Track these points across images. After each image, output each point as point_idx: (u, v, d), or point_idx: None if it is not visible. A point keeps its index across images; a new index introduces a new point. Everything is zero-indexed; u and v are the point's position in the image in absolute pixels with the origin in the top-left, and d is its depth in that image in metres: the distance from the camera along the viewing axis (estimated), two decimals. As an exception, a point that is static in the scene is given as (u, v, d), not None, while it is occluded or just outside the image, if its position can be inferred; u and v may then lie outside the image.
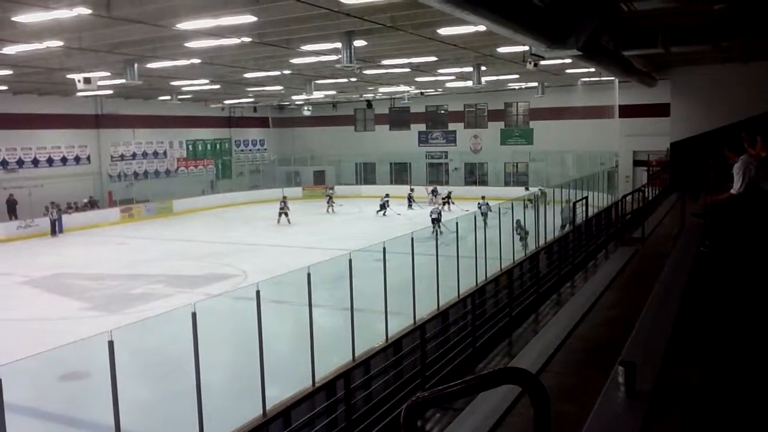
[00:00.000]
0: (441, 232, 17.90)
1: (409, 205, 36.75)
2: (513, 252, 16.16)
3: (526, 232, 18.76)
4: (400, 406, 9.90)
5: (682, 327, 4.86)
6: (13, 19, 13.41)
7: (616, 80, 29.75)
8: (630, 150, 35.23)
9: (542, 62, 19.66)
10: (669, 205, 19.68)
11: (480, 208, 31.12)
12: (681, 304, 5.29)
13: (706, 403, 4.04)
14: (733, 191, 7.31)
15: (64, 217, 31.68)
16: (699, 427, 3.85)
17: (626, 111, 33.44)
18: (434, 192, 37.56)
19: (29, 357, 6.73)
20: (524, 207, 18.51)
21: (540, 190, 20.27)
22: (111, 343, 6.38)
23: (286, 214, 32.32)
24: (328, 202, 35.79)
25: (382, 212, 34.42)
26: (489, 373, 1.95)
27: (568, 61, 20.34)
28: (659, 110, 31.08)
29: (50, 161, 34.14)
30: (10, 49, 17.24)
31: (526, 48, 16.60)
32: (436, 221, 25.42)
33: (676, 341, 4.49)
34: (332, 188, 35.09)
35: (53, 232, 30.43)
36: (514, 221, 18.45)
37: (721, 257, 7.61)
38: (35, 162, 33.42)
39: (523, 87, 36.82)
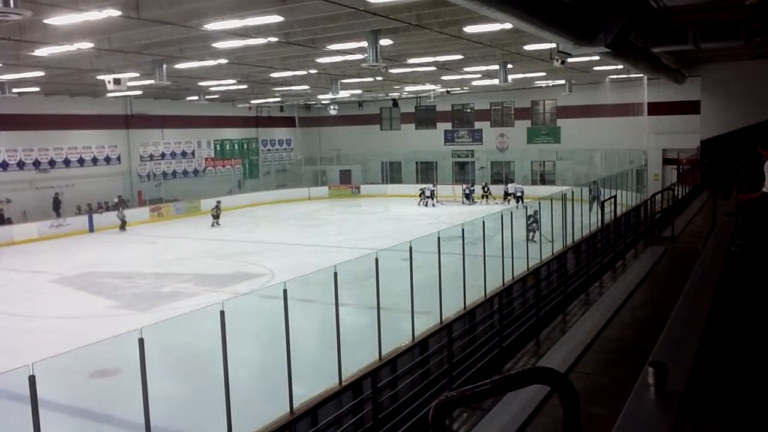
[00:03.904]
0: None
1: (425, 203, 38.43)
2: (540, 251, 16.06)
3: (537, 223, 18.97)
4: (427, 405, 9.92)
5: (714, 327, 4.78)
6: (45, 21, 13.64)
7: (645, 77, 29.41)
8: (659, 148, 34.77)
9: (569, 60, 19.52)
10: (699, 203, 19.40)
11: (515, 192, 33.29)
12: (712, 304, 5.21)
13: (738, 405, 3.98)
14: (765, 189, 7.19)
15: (95, 217, 32.26)
16: (731, 429, 3.79)
17: (655, 108, 33.01)
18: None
19: (61, 354, 6.84)
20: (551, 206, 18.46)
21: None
22: (141, 341, 6.45)
23: (216, 216, 32.90)
24: (214, 216, 33.29)
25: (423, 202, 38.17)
26: (518, 372, 1.93)
27: (596, 58, 20.13)
28: (689, 107, 30.65)
29: (81, 161, 34.69)
30: (42, 51, 17.53)
31: (553, 45, 16.48)
32: (520, 198, 33.29)
33: (708, 342, 4.43)
34: (219, 201, 34.17)
35: (122, 227, 32.08)
36: (531, 212, 18.64)
37: (753, 257, 7.48)
38: (66, 162, 33.97)
39: (550, 85, 36.57)
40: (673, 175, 29.31)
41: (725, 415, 3.86)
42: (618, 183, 23.33)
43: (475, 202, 38.24)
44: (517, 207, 29.76)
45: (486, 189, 38.88)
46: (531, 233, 19.21)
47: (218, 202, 33.94)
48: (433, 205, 38.04)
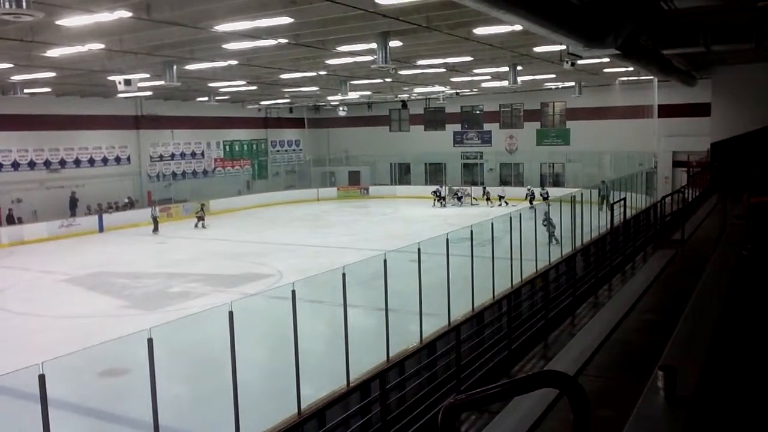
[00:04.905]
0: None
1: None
2: (549, 253, 16.02)
3: (554, 226, 18.85)
4: (435, 408, 9.89)
5: (724, 332, 4.76)
6: (57, 22, 13.71)
7: (655, 80, 29.30)
8: (669, 150, 34.63)
9: (579, 62, 19.45)
10: (710, 206, 19.29)
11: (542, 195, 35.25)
12: (722, 308, 5.19)
13: (748, 409, 3.96)
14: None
15: (105, 217, 32.44)
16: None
17: (665, 111, 32.88)
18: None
19: (71, 354, 6.87)
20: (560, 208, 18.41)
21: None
22: (150, 341, 6.48)
23: (201, 218, 32.59)
24: (198, 217, 32.89)
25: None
26: (529, 376, 1.93)
27: (606, 60, 20.07)
28: (699, 110, 30.52)
29: (92, 161, 34.84)
30: (54, 52, 17.62)
31: (563, 47, 16.45)
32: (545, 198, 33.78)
33: (717, 346, 4.40)
34: (204, 204, 34.25)
35: (156, 229, 31.27)
36: (543, 215, 18.54)
37: (763, 260, 7.45)
38: (77, 162, 34.12)
39: (560, 87, 36.47)
40: (683, 178, 29.18)
41: (735, 420, 3.84)
42: (627, 185, 23.25)
43: (461, 204, 38.58)
44: (531, 207, 29.81)
45: (485, 192, 38.91)
46: (552, 237, 18.97)
47: (202, 204, 33.99)
48: (444, 205, 38.25)
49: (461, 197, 39.22)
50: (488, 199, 38.18)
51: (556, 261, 16.08)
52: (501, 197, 37.28)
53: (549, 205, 27.32)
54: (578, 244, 17.42)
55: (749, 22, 14.82)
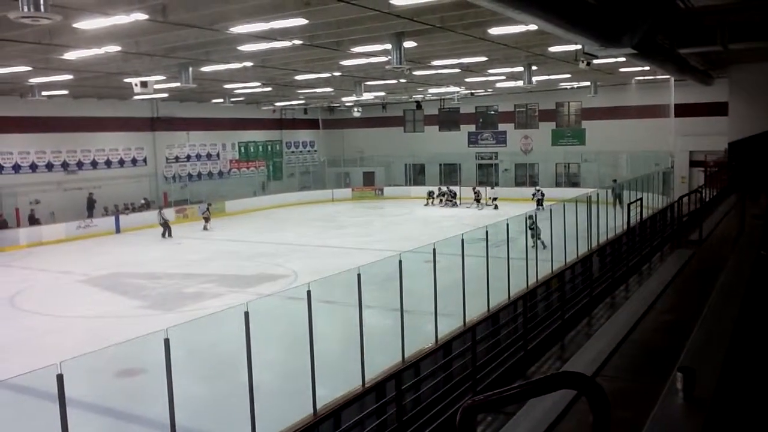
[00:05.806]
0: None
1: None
2: (565, 255, 15.94)
3: (539, 229, 18.57)
4: (451, 409, 9.84)
5: (743, 332, 4.71)
6: (74, 25, 13.84)
7: (672, 79, 29.06)
8: (686, 150, 34.33)
9: (595, 61, 19.36)
10: (728, 206, 19.08)
11: (534, 196, 34.30)
12: (741, 308, 5.14)
13: (768, 411, 3.91)
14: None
15: (121, 218, 32.68)
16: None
17: (682, 110, 32.59)
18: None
19: (89, 353, 6.92)
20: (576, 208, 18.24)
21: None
22: (167, 341, 6.51)
23: (207, 219, 32.46)
24: (204, 218, 32.80)
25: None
26: (548, 376, 1.92)
27: (622, 59, 19.94)
28: (717, 109, 30.23)
29: (108, 163, 35.12)
30: (71, 55, 17.79)
31: (579, 47, 16.36)
32: (540, 201, 33.47)
33: (736, 347, 4.36)
34: (210, 204, 33.91)
35: (164, 234, 30.34)
36: (527, 217, 18.30)
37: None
38: (94, 164, 34.41)
39: (575, 86, 36.30)
40: (700, 178, 28.93)
41: (755, 422, 3.80)
42: (644, 185, 23.10)
43: (456, 205, 38.60)
44: (539, 210, 29.57)
45: (476, 193, 38.76)
46: (534, 239, 18.56)
47: (208, 205, 33.94)
48: (456, 204, 38.36)
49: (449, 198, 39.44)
50: (478, 200, 37.99)
51: (572, 261, 15.99)
52: (493, 199, 37.05)
53: (539, 210, 27.14)
54: (593, 244, 17.31)
55: (767, 19, 14.68)
